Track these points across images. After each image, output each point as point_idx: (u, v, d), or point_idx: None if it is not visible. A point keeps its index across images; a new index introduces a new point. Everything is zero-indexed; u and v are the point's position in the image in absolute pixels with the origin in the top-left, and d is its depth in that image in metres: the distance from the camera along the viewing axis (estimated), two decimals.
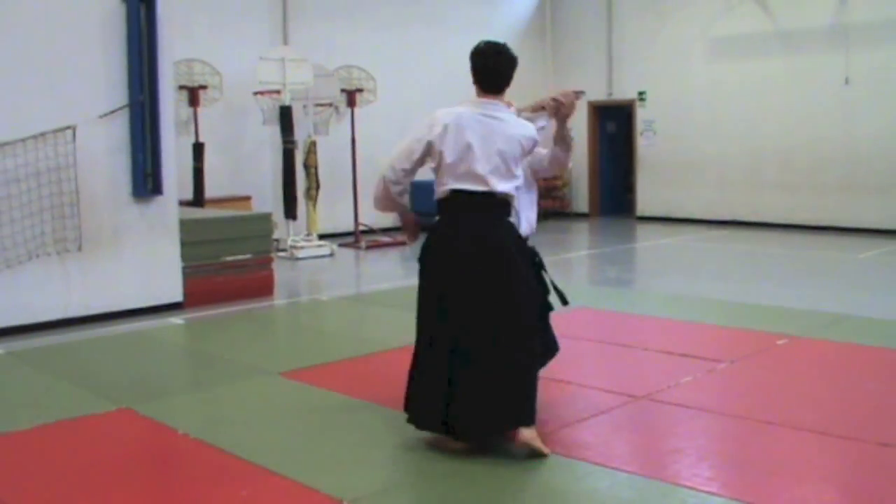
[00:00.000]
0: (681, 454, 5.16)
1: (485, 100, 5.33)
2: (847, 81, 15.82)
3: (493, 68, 5.36)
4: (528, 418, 5.06)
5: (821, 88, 16.18)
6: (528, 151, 5.35)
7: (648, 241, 15.93)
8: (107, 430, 5.78)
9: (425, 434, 5.30)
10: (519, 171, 5.28)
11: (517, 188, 5.30)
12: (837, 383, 6.53)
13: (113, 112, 9.02)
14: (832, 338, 7.89)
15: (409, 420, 5.28)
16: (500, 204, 5.22)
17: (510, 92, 5.49)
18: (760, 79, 17.00)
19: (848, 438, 5.31)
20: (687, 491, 4.57)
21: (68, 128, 8.63)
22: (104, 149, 9.05)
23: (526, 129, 5.32)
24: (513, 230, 5.32)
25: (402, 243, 15.24)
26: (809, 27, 16.32)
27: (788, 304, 9.49)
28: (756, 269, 12.76)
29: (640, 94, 18.79)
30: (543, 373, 5.56)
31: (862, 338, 7.88)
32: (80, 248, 8.84)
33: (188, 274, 9.84)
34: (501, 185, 5.14)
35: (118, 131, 9.11)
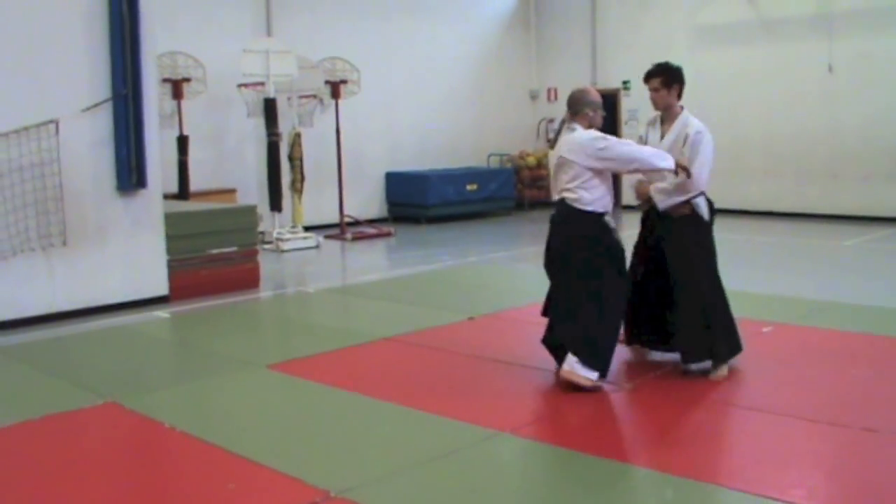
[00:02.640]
0: (668, 442, 5.18)
1: None
2: (830, 69, 15.85)
3: None
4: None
5: (804, 76, 16.20)
6: None
7: (634, 230, 15.91)
8: (93, 425, 5.78)
9: (412, 424, 5.31)
10: None
11: None
12: (822, 370, 6.56)
13: (96, 106, 8.98)
14: (817, 325, 7.93)
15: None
16: None
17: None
18: (744, 67, 17.02)
19: (834, 424, 5.34)
20: (676, 478, 4.58)
21: (51, 122, 8.59)
22: (88, 143, 9.01)
23: None
24: None
25: (388, 234, 15.24)
26: (793, 15, 16.34)
27: (773, 292, 9.52)
28: (740, 256, 12.77)
29: (625, 83, 18.81)
30: (515, 359, 5.60)
31: (847, 324, 7.92)
32: (64, 243, 8.81)
33: (173, 267, 9.81)
34: None
35: (102, 125, 9.07)
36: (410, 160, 17.74)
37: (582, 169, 5.98)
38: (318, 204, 15.65)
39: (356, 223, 15.84)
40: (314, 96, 14.82)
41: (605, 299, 6.03)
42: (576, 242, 6.08)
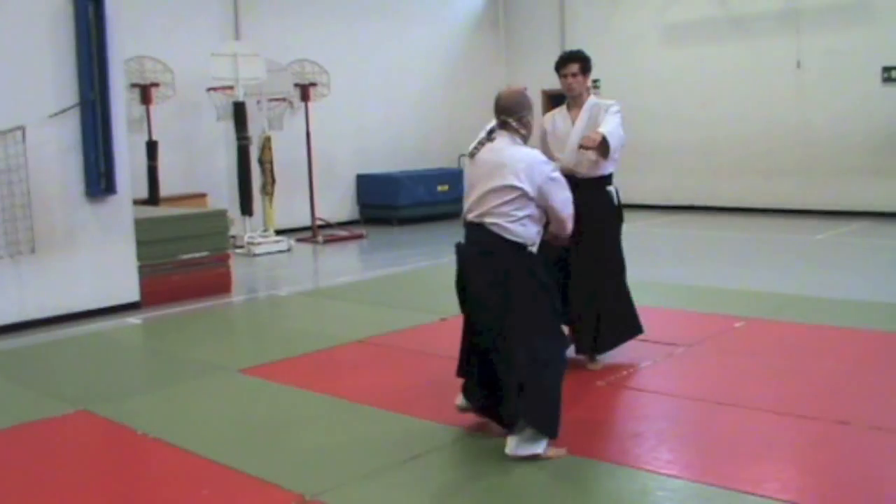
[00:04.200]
0: (641, 438, 5.20)
1: None
2: (799, 65, 15.96)
3: None
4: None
5: (774, 72, 16.32)
6: None
7: None
8: (65, 433, 5.72)
9: (386, 426, 5.30)
10: None
11: None
12: (795, 364, 6.59)
13: (63, 111, 8.90)
14: (789, 319, 7.98)
15: None
16: None
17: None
18: (714, 64, 17.12)
19: (806, 417, 5.37)
20: (647, 474, 4.60)
21: (18, 128, 8.50)
22: (56, 149, 8.93)
23: None
24: None
25: (360, 236, 15.21)
26: (761, 12, 16.45)
27: (745, 287, 9.57)
28: (712, 252, 12.86)
29: (595, 81, 18.84)
30: None
31: (818, 318, 7.97)
32: (33, 250, 8.73)
33: (144, 273, 9.75)
34: None
35: (69, 131, 8.99)
36: (381, 162, 17.72)
37: (525, 198, 4.96)
38: (289, 207, 15.59)
39: (328, 226, 15.80)
40: (284, 99, 14.78)
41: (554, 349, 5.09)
42: (514, 281, 4.95)
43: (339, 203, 17.20)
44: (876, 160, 15.29)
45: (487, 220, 4.97)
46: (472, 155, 5.17)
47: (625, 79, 18.19)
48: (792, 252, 12.44)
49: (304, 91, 15.00)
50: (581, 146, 6.26)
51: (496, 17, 20.43)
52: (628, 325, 6.66)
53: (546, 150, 6.42)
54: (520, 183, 4.90)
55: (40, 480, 4.90)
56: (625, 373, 6.43)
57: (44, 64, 8.84)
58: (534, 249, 5.03)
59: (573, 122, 6.53)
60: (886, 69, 15.06)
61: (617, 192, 6.70)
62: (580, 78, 6.52)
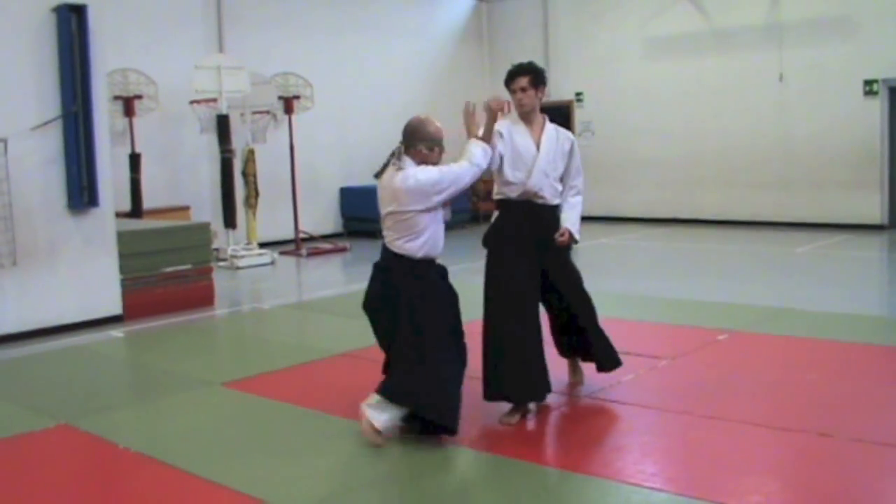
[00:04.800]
0: (624, 451, 5.20)
1: None
2: (781, 78, 16.04)
3: None
4: None
5: (756, 86, 16.39)
6: None
7: (588, 240, 15.98)
8: (46, 448, 5.68)
9: (368, 440, 5.29)
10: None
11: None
12: (778, 376, 6.61)
13: (45, 124, 8.88)
14: (771, 331, 8.00)
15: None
16: None
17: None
18: (696, 77, 17.19)
19: (789, 430, 5.39)
20: (631, 487, 4.60)
21: (0, 141, 8.50)
22: (38, 161, 8.90)
23: None
24: None
25: (343, 249, 15.20)
26: (743, 25, 16.53)
27: (728, 300, 9.59)
28: (695, 265, 12.89)
29: (578, 94, 18.91)
30: (470, 372, 5.62)
31: (800, 331, 8.00)
32: (14, 263, 8.69)
33: (127, 286, 9.72)
34: None
35: (52, 143, 8.96)
36: (365, 175, 17.53)
37: (419, 215, 5.33)
38: (272, 220, 15.57)
39: (311, 239, 15.78)
40: (267, 112, 14.76)
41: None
42: (405, 294, 5.41)
43: (322, 216, 17.18)
44: (858, 173, 15.37)
45: (387, 238, 5.48)
46: (376, 177, 5.57)
47: (608, 92, 18.27)
48: (774, 265, 12.49)
49: (288, 104, 15.00)
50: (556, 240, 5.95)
51: (480, 31, 20.48)
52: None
53: (498, 161, 5.82)
54: (411, 207, 5.29)
55: (20, 496, 4.87)
56: (608, 386, 6.43)
57: (26, 76, 8.81)
58: (432, 254, 5.44)
59: (536, 143, 5.90)
60: (868, 82, 15.16)
61: None
62: (531, 92, 5.91)
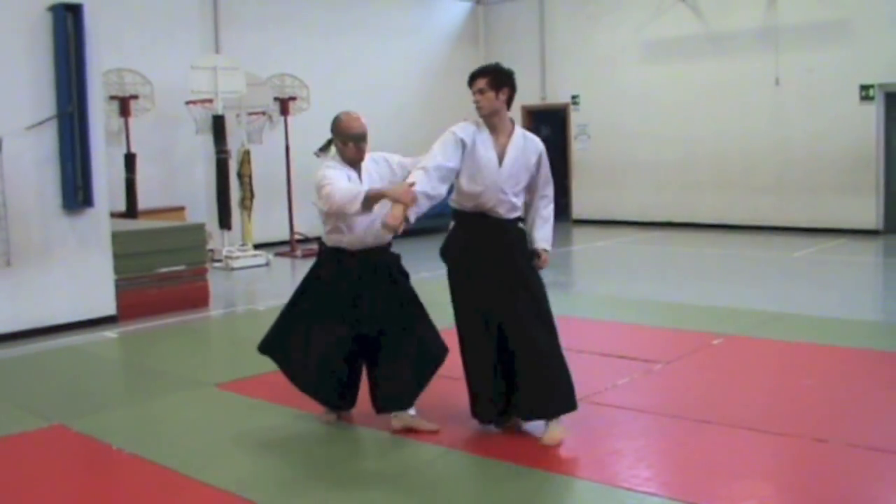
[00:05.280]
0: (619, 455, 5.19)
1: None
2: (777, 82, 16.04)
3: None
4: None
5: (752, 90, 16.39)
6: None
7: (584, 244, 16.02)
8: (39, 448, 5.67)
9: (361, 443, 5.28)
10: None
11: None
12: (772, 381, 6.61)
13: (41, 123, 8.86)
14: (766, 336, 7.99)
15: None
16: None
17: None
18: (692, 81, 17.19)
19: (784, 435, 5.38)
20: (625, 492, 4.59)
21: None
22: (32, 161, 8.87)
23: None
24: None
25: None
26: (739, 29, 16.53)
27: (723, 304, 9.59)
28: (691, 269, 12.89)
29: (574, 97, 18.90)
30: (461, 375, 5.62)
31: (796, 335, 7.99)
32: (8, 263, 8.67)
33: (121, 287, 9.69)
34: None
35: (47, 143, 8.94)
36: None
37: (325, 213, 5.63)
38: (267, 221, 15.54)
39: (306, 240, 15.76)
40: (263, 113, 14.75)
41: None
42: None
43: (317, 217, 17.07)
44: (853, 178, 15.37)
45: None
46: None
47: (604, 95, 18.26)
48: (770, 269, 12.49)
49: (284, 105, 14.99)
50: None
51: (476, 33, 20.47)
52: (569, 394, 5.44)
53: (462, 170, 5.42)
54: (315, 198, 5.67)
55: (14, 496, 4.85)
56: (603, 390, 6.42)
57: (21, 75, 8.79)
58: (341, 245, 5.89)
59: (500, 155, 5.42)
60: (864, 87, 15.16)
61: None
62: (490, 94, 5.45)
